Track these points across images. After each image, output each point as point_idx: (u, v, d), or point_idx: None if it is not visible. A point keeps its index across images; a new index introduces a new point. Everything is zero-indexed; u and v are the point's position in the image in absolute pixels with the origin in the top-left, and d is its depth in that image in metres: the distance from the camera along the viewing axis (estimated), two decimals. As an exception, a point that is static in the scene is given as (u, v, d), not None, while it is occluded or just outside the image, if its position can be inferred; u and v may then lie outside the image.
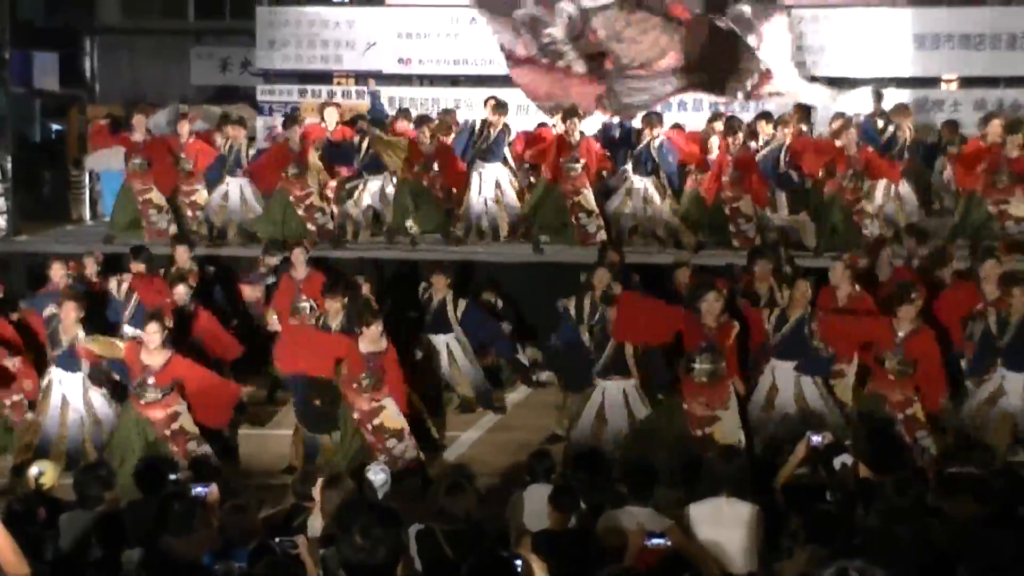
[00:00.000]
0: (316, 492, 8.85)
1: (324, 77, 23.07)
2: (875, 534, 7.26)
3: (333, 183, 18.08)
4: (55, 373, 12.81)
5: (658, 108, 18.77)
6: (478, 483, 9.53)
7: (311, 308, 13.83)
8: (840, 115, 18.16)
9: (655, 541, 7.44)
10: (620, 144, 18.59)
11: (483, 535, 8.07)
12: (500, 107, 18.05)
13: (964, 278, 13.47)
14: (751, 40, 17.58)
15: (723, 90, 18.31)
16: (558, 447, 11.83)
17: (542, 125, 18.74)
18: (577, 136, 17.17)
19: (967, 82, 21.38)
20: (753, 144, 17.18)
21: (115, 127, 18.57)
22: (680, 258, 14.97)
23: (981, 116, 18.30)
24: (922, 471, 9.74)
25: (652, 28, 17.85)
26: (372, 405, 11.81)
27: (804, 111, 18.41)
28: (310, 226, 17.04)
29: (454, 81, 22.55)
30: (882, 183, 16.93)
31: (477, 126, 18.13)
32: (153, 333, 11.77)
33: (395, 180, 17.54)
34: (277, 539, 7.18)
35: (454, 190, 17.79)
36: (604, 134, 18.88)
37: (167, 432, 11.74)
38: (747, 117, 19.63)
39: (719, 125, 17.19)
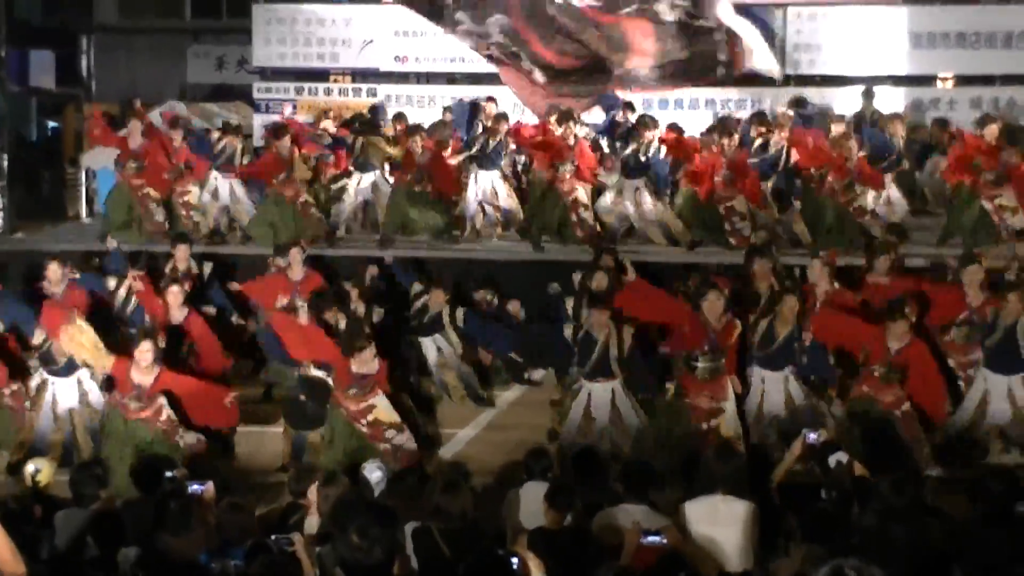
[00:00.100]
0: (312, 490, 8.85)
1: (321, 75, 23.09)
2: (871, 533, 7.26)
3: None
4: (47, 376, 12.82)
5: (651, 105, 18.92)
6: (474, 481, 9.50)
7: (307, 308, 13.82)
8: (840, 118, 18.16)
9: (651, 539, 7.44)
10: (607, 135, 18.74)
11: (479, 533, 8.07)
12: (501, 117, 18.20)
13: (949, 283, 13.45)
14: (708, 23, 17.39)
15: (694, 79, 18.10)
16: (555, 445, 11.86)
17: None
18: (572, 140, 17.20)
19: (963, 80, 21.41)
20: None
21: (112, 125, 18.57)
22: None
23: (977, 116, 18.36)
24: (918, 470, 9.78)
25: (584, 31, 17.71)
26: (361, 406, 11.86)
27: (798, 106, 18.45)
28: (306, 224, 17.10)
29: (451, 79, 22.55)
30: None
31: (479, 131, 18.20)
32: (145, 352, 11.67)
33: (389, 180, 17.61)
34: (273, 537, 7.16)
35: (453, 197, 17.90)
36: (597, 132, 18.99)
37: (159, 427, 11.74)
38: (744, 113, 19.83)
39: (727, 141, 17.07)
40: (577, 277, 14.04)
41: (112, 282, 14.26)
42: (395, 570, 6.38)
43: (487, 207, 17.85)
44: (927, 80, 21.64)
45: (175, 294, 13.54)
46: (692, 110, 21.35)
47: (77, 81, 30.48)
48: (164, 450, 11.42)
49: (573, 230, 16.95)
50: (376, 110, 20.58)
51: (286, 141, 17.20)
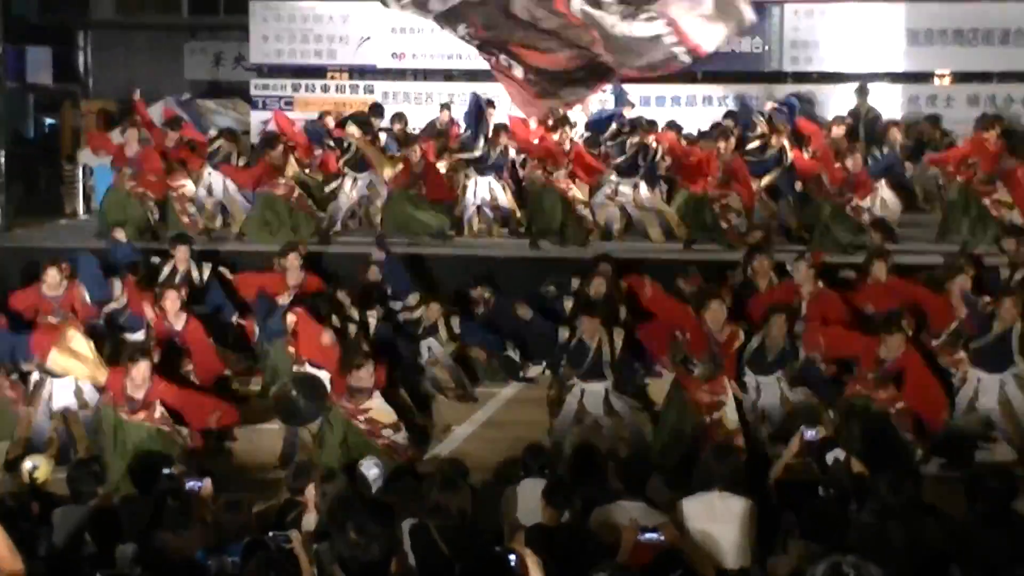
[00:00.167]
0: (310, 487, 8.85)
1: (318, 72, 23.08)
2: (869, 531, 7.27)
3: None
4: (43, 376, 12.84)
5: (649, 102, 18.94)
6: (471, 478, 9.49)
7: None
8: (841, 120, 18.14)
9: (648, 536, 7.44)
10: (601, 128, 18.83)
11: (477, 530, 8.07)
12: (501, 128, 18.39)
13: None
14: None
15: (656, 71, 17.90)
16: (549, 440, 11.90)
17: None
18: (568, 145, 17.21)
19: (960, 77, 21.42)
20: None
21: (108, 122, 18.62)
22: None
23: (977, 115, 18.40)
24: (916, 468, 9.78)
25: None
26: (358, 407, 11.90)
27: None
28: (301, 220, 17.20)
29: (448, 76, 22.57)
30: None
31: (481, 138, 18.29)
32: (140, 371, 11.59)
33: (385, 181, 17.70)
34: (271, 534, 7.16)
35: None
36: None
37: (155, 425, 11.73)
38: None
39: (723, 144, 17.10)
40: (575, 281, 14.12)
41: (117, 286, 14.19)
42: (393, 567, 6.39)
43: (485, 208, 17.88)
44: (924, 77, 21.66)
45: (172, 300, 13.52)
46: (690, 107, 21.41)
47: (74, 78, 30.46)
48: (160, 446, 11.41)
49: (573, 228, 16.93)
50: (375, 108, 20.55)
51: (279, 151, 17.27)
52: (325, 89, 22.80)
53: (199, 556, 7.25)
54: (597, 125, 19.42)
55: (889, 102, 20.80)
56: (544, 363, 14.32)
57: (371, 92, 22.35)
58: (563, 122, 17.55)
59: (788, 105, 19.82)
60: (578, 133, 19.17)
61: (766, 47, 21.38)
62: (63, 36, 30.30)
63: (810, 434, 9.26)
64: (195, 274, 15.18)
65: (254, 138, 22.31)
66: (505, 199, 17.96)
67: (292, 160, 17.96)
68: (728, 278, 14.67)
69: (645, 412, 12.60)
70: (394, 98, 21.97)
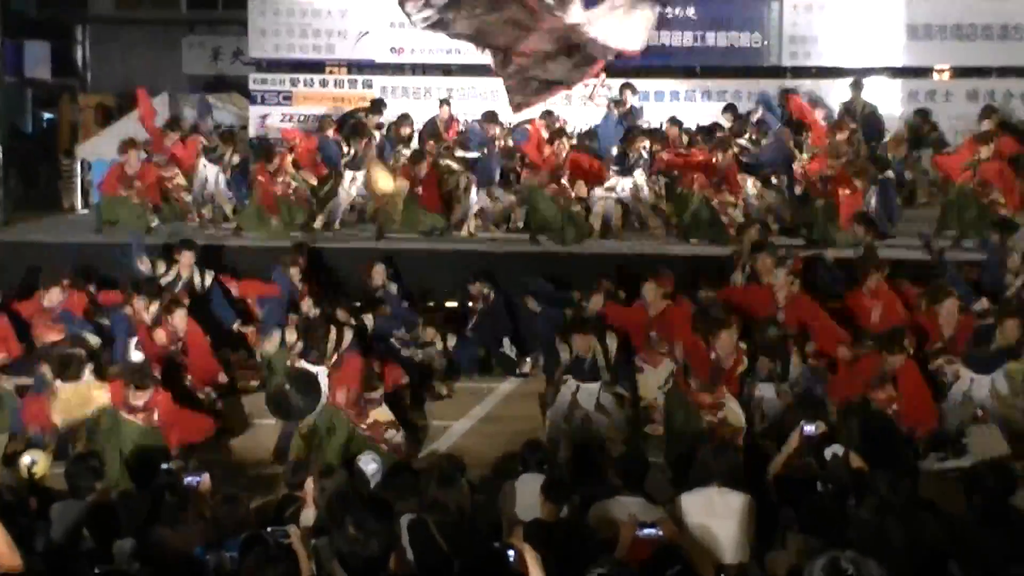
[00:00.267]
0: (309, 482, 8.85)
1: (316, 66, 23.01)
2: (867, 526, 7.27)
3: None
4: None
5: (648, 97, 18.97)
6: (470, 474, 9.50)
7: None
8: (843, 124, 18.12)
9: (647, 531, 7.44)
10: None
11: (476, 526, 8.07)
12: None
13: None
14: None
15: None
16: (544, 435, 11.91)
17: (528, 121, 19.14)
18: (564, 154, 17.19)
19: (959, 72, 21.41)
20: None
21: (106, 116, 18.64)
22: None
23: (980, 114, 18.53)
24: (915, 464, 9.78)
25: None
26: (365, 414, 11.97)
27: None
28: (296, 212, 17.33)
29: (446, 70, 22.54)
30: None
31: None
32: (147, 393, 11.57)
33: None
34: (269, 529, 7.15)
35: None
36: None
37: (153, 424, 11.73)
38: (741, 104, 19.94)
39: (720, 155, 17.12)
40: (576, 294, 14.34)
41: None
42: (391, 563, 6.38)
43: (485, 208, 17.88)
44: (923, 72, 21.63)
45: (181, 317, 13.49)
46: (689, 102, 21.39)
47: (72, 72, 30.49)
48: (157, 442, 11.41)
49: (569, 226, 16.88)
50: (376, 105, 20.52)
51: (276, 162, 17.38)
52: (324, 84, 22.75)
53: (197, 551, 7.25)
54: (604, 132, 19.44)
55: (888, 97, 20.79)
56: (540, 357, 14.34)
57: (369, 87, 22.31)
58: (559, 134, 17.53)
59: (765, 103, 19.95)
60: (579, 128, 19.25)
61: (765, 42, 21.35)
62: (61, 31, 30.33)
63: (809, 429, 9.26)
64: (197, 280, 15.14)
65: (252, 133, 22.31)
66: (505, 196, 17.91)
67: (288, 162, 17.90)
68: (729, 276, 14.69)
69: (632, 410, 12.68)
70: (393, 93, 21.92)
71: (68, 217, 21.84)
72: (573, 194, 17.11)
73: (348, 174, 18.01)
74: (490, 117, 19.41)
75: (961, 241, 15.96)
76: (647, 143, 17.75)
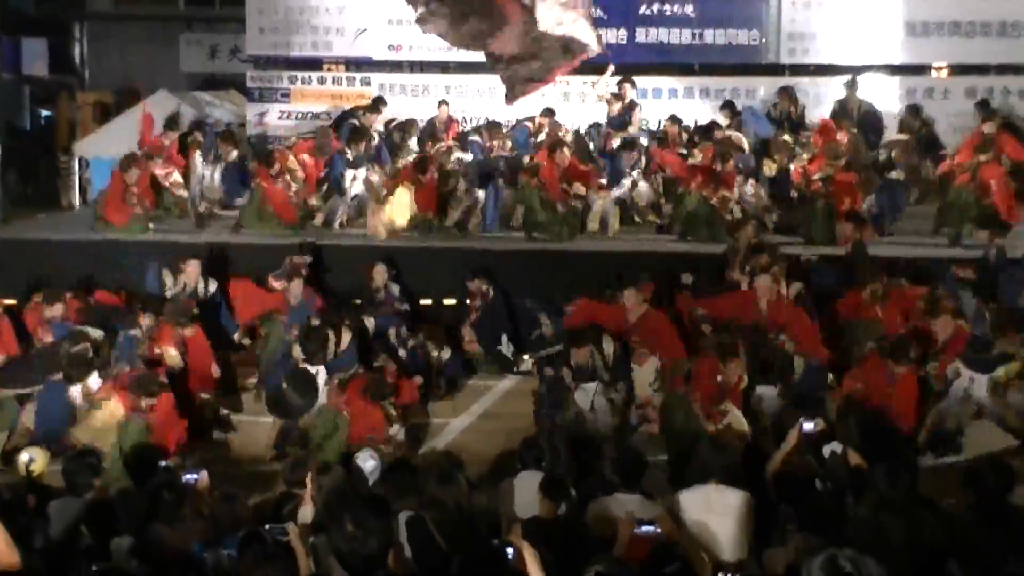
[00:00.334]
0: (307, 480, 8.85)
1: (314, 64, 23.01)
2: (866, 524, 7.27)
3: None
4: None
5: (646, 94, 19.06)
6: (468, 471, 9.50)
7: None
8: (844, 128, 18.16)
9: (645, 529, 7.45)
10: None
11: (474, 523, 8.07)
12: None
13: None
14: None
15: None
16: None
17: (530, 119, 19.51)
18: (565, 164, 17.20)
19: (958, 69, 21.40)
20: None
21: (104, 114, 18.64)
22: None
23: (978, 113, 18.59)
24: (913, 461, 9.78)
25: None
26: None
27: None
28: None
29: (444, 68, 22.52)
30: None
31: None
32: (155, 396, 11.68)
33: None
34: (267, 527, 7.16)
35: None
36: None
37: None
38: (739, 101, 19.97)
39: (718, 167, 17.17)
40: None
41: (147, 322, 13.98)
42: (389, 560, 6.38)
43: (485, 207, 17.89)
44: (922, 69, 21.63)
45: (191, 332, 13.50)
46: (688, 99, 21.39)
47: (70, 69, 30.45)
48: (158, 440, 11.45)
49: (560, 225, 16.84)
50: (377, 102, 20.53)
51: (277, 167, 17.39)
52: (321, 81, 22.74)
53: (195, 549, 7.25)
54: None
55: (886, 94, 20.79)
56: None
57: (367, 84, 22.31)
58: (559, 144, 17.50)
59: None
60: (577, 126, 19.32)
61: (763, 39, 21.35)
62: (59, 28, 30.30)
63: (808, 426, 9.26)
64: (201, 288, 15.12)
65: (250, 131, 22.31)
66: (505, 193, 17.93)
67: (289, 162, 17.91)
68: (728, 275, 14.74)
69: (625, 409, 12.72)
70: (391, 90, 21.92)
71: (66, 214, 21.82)
72: (572, 192, 17.10)
73: (349, 173, 18.03)
74: (492, 127, 19.39)
75: (960, 240, 15.96)
76: (638, 154, 17.79)
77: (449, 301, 15.77)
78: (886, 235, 16.61)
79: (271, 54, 22.98)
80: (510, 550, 6.61)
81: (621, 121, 19.51)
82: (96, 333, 13.38)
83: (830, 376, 12.86)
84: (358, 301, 15.03)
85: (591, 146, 19.42)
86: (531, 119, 20.28)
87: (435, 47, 21.18)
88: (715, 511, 8.33)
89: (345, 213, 17.88)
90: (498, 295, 15.24)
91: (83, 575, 7.08)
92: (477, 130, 19.42)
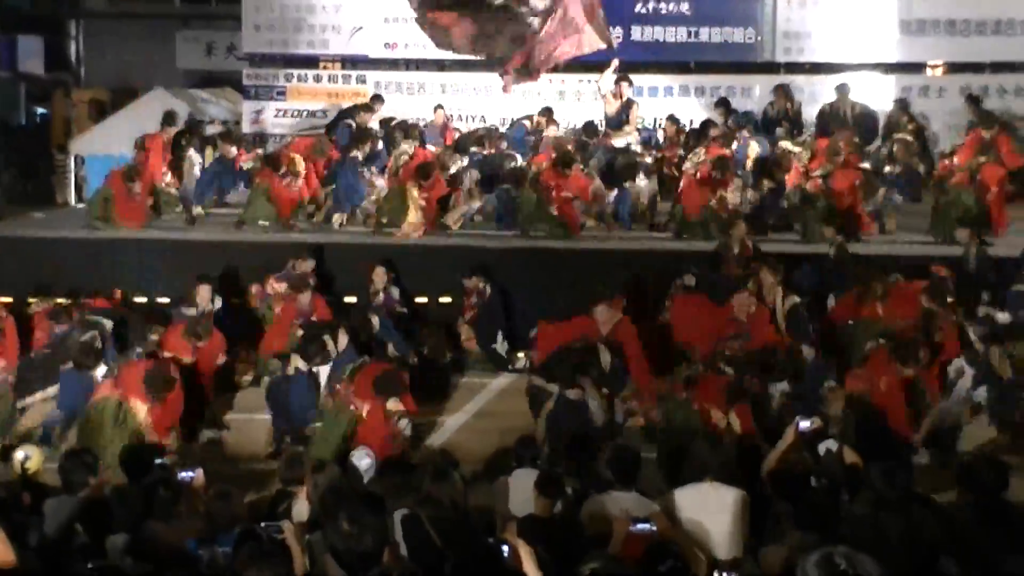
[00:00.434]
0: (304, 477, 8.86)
1: (310, 61, 23.02)
2: (862, 521, 7.28)
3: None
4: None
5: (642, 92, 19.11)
6: (463, 469, 9.49)
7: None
8: (846, 133, 18.15)
9: (640, 527, 7.45)
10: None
11: (469, 521, 8.07)
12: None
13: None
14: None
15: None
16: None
17: (527, 117, 19.62)
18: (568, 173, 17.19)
19: (953, 68, 21.43)
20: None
21: (100, 111, 18.63)
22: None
23: (969, 108, 18.64)
24: (909, 459, 9.79)
25: None
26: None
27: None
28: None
29: (440, 66, 22.51)
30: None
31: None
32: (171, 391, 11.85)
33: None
34: (263, 524, 7.16)
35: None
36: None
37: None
38: (735, 100, 19.98)
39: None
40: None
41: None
42: (385, 558, 6.39)
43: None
44: (917, 67, 21.66)
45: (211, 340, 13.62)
46: (683, 96, 21.42)
47: (66, 67, 30.42)
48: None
49: (553, 223, 16.80)
50: (375, 100, 20.52)
51: (283, 168, 17.41)
52: (317, 79, 22.76)
53: (191, 546, 7.24)
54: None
55: (881, 92, 20.82)
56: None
57: (363, 82, 22.33)
58: (569, 161, 17.33)
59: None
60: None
61: (759, 38, 21.39)
62: (55, 25, 30.27)
63: (805, 424, 9.25)
64: (213, 307, 15.06)
65: (246, 128, 22.30)
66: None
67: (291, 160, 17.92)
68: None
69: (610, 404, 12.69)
70: (387, 88, 21.94)
71: (62, 212, 21.79)
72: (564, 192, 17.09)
73: (366, 173, 18.03)
74: (491, 134, 19.40)
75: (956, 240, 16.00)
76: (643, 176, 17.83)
77: (445, 299, 15.76)
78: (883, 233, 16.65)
79: (267, 52, 22.99)
80: (505, 548, 6.62)
81: (618, 121, 19.47)
82: (108, 323, 13.69)
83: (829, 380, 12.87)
84: (353, 299, 15.03)
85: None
86: (528, 117, 20.30)
87: (431, 45, 21.19)
88: (711, 509, 8.33)
89: (346, 212, 17.85)
90: (495, 293, 15.23)
91: (78, 573, 7.08)
92: (479, 140, 19.29)
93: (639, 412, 12.33)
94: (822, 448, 9.09)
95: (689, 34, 21.54)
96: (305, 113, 22.41)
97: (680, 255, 15.46)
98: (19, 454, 9.68)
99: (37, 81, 30.23)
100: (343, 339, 13.26)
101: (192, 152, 18.88)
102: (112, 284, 15.38)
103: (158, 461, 9.35)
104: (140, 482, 8.83)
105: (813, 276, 14.73)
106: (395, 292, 15.30)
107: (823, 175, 16.76)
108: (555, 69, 18.31)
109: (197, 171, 18.42)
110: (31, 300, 14.94)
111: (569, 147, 17.83)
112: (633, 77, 20.02)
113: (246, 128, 22.31)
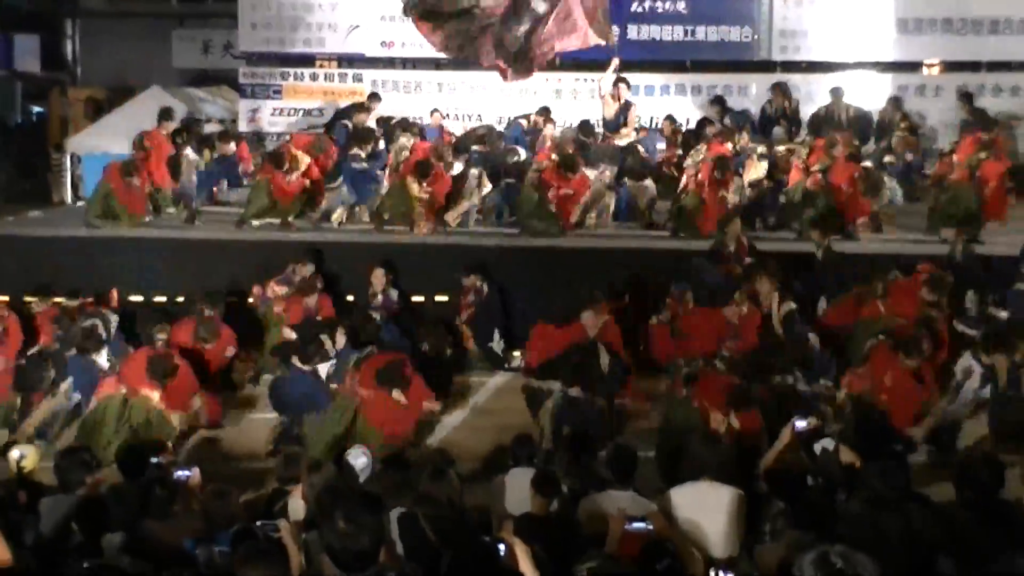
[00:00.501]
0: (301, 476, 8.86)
1: (306, 60, 23.02)
2: (859, 520, 7.27)
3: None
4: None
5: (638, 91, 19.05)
6: (460, 467, 9.49)
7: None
8: (846, 137, 18.16)
9: (637, 525, 7.45)
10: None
11: (465, 520, 8.07)
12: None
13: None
14: None
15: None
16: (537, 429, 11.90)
17: (525, 116, 19.63)
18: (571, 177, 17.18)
19: (949, 67, 21.44)
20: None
21: (96, 110, 18.62)
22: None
23: (962, 106, 18.67)
24: (906, 458, 9.78)
25: None
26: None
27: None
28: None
29: (437, 64, 22.51)
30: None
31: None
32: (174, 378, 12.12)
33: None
34: (259, 523, 7.16)
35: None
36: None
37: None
38: (732, 99, 19.96)
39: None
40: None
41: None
42: (381, 557, 6.38)
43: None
44: (913, 66, 21.67)
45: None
46: (680, 95, 21.43)
47: (62, 66, 30.42)
48: (156, 429, 11.66)
49: (546, 221, 16.79)
50: (372, 99, 20.53)
51: (287, 165, 17.36)
52: (314, 77, 22.76)
53: (187, 545, 7.24)
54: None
55: (878, 91, 20.84)
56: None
57: (360, 80, 22.34)
58: (575, 166, 17.33)
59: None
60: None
61: (755, 36, 21.41)
62: (51, 24, 30.26)
63: (801, 424, 9.26)
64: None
65: (242, 127, 22.31)
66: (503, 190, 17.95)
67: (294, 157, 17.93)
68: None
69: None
70: (383, 86, 21.96)
71: (58, 211, 21.79)
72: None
73: (372, 172, 18.04)
74: (491, 134, 19.40)
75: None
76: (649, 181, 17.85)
77: (441, 298, 15.76)
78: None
79: (264, 50, 23.01)
80: (502, 546, 6.62)
81: (617, 123, 19.47)
82: (113, 317, 13.92)
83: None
84: (351, 298, 15.03)
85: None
86: (525, 116, 20.31)
87: (427, 44, 21.21)
88: (707, 508, 8.32)
89: (346, 210, 17.84)
90: (493, 291, 15.24)
91: (74, 572, 7.07)
92: (479, 139, 19.29)
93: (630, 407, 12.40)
94: (818, 447, 9.08)
95: (685, 33, 21.55)
96: (302, 111, 22.42)
97: (679, 254, 15.48)
98: (15, 453, 9.66)
99: (33, 80, 30.22)
100: (341, 339, 13.27)
101: (189, 151, 18.87)
102: (111, 283, 15.35)
103: (154, 460, 9.34)
104: (137, 481, 8.82)
105: (807, 278, 14.74)
106: (394, 294, 15.30)
107: (822, 169, 16.76)
108: (552, 67, 18.33)
109: (195, 170, 18.40)
110: (29, 300, 14.91)
111: (569, 149, 17.81)
112: (629, 76, 20.04)
113: (242, 127, 22.33)
